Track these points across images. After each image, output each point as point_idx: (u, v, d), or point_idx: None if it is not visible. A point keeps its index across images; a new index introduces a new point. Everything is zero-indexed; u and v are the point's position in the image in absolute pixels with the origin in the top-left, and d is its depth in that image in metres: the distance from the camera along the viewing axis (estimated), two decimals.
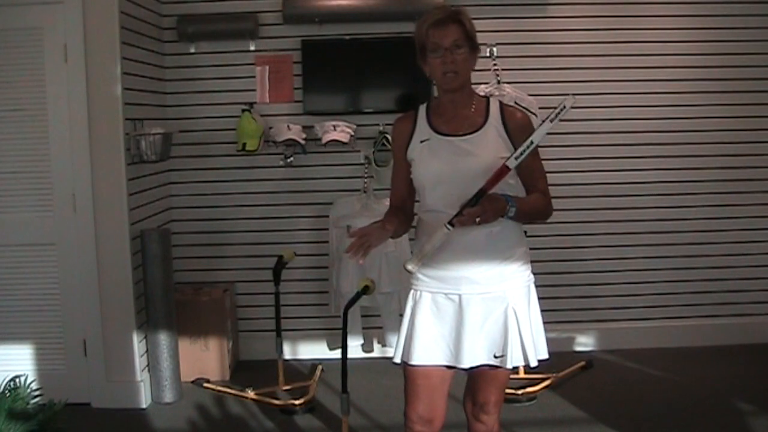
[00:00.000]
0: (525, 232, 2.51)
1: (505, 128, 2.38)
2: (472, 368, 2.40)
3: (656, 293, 4.77)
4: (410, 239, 4.42)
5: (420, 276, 2.43)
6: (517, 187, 2.45)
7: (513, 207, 2.28)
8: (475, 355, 2.37)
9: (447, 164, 2.37)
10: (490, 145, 2.36)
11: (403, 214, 2.53)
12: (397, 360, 2.46)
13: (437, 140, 2.40)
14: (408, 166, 2.47)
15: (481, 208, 2.23)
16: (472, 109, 2.41)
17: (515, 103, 4.36)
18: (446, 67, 2.33)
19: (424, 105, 2.51)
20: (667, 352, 4.68)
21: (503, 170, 2.27)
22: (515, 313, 2.37)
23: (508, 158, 2.28)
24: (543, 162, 2.47)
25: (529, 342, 2.38)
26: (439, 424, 2.47)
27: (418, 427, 2.44)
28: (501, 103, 2.47)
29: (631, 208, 4.72)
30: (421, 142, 2.42)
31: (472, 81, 2.44)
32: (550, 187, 2.48)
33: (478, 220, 2.23)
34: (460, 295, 2.37)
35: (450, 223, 2.25)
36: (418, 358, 2.40)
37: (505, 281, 2.38)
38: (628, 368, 4.48)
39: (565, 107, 2.24)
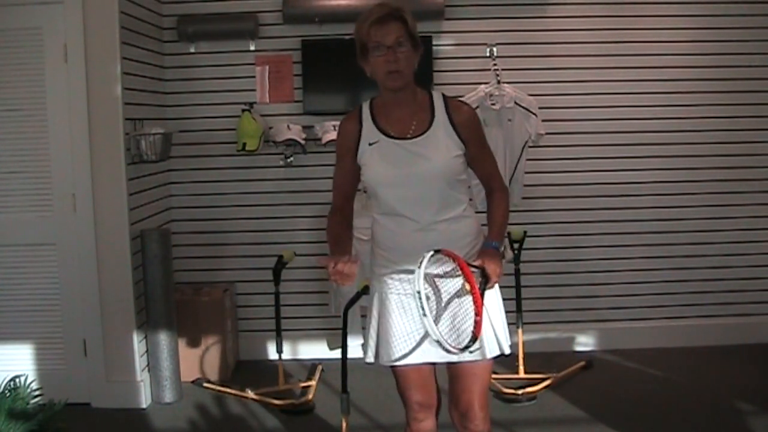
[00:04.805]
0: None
1: (452, 124, 2.36)
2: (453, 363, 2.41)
3: (656, 293, 4.77)
4: None
5: (384, 279, 2.45)
6: (466, 180, 2.45)
7: (500, 247, 2.36)
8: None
9: (400, 168, 2.34)
10: (441, 145, 2.34)
11: (343, 217, 2.55)
12: (370, 360, 2.50)
13: (387, 143, 2.37)
14: (354, 167, 2.46)
15: (492, 273, 2.25)
16: (417, 107, 2.37)
17: (515, 103, 4.36)
18: (389, 66, 2.28)
19: (367, 103, 2.46)
20: (667, 352, 4.68)
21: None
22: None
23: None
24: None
25: (500, 329, 2.40)
26: (436, 405, 2.56)
27: (421, 414, 2.50)
28: (444, 96, 2.42)
29: (630, 207, 4.72)
30: (370, 144, 2.39)
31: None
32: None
33: (495, 280, 2.27)
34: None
35: (482, 291, 2.21)
36: (404, 359, 2.41)
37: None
38: (628, 368, 4.48)
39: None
